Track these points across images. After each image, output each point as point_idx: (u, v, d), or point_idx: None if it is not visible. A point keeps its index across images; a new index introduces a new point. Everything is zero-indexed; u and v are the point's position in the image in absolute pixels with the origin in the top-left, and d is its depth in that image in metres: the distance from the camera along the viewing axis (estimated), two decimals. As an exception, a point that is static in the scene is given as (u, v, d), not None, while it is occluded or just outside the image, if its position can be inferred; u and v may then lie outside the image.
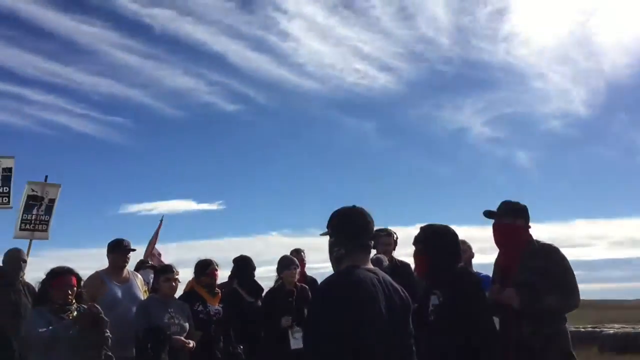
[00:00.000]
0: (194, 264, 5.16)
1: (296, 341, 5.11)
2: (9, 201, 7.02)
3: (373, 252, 3.81)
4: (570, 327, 3.91)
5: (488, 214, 3.71)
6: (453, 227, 3.38)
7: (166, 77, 29.48)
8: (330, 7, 31.40)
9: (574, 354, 3.51)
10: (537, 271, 3.46)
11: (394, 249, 5.69)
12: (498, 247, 3.78)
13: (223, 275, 5.48)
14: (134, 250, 5.24)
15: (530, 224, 3.69)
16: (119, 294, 4.86)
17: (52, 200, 7.20)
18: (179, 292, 5.04)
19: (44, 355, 3.80)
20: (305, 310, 4.89)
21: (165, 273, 4.80)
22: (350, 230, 2.37)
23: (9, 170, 6.99)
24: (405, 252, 5.72)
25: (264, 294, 5.70)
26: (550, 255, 3.55)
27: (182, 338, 4.53)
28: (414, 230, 3.51)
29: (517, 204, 3.69)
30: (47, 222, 7.15)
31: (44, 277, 4.02)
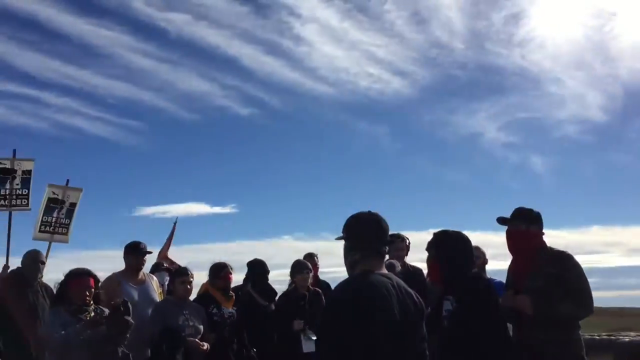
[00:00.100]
0: (209, 267, 5.20)
1: (308, 345, 5.14)
2: (27, 203, 7.04)
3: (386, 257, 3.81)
4: (585, 334, 3.88)
5: (502, 220, 3.71)
6: (466, 232, 3.35)
7: (181, 81, 29.65)
8: (344, 11, 31.32)
9: (588, 361, 3.50)
10: (550, 278, 3.46)
11: (407, 254, 5.68)
12: (512, 253, 3.77)
13: (237, 278, 5.51)
14: (150, 252, 5.31)
15: (544, 230, 3.68)
16: (135, 295, 4.90)
17: (73, 205, 7.17)
18: (192, 295, 5.08)
19: (59, 356, 3.85)
20: (318, 314, 4.91)
21: (181, 275, 4.83)
22: (366, 235, 2.38)
23: (28, 172, 7.02)
24: (417, 258, 5.64)
25: (277, 297, 5.74)
26: (564, 261, 3.55)
27: (197, 340, 4.57)
28: (427, 235, 3.49)
29: (531, 210, 3.68)
30: (67, 226, 7.13)
31: (62, 278, 4.08)
